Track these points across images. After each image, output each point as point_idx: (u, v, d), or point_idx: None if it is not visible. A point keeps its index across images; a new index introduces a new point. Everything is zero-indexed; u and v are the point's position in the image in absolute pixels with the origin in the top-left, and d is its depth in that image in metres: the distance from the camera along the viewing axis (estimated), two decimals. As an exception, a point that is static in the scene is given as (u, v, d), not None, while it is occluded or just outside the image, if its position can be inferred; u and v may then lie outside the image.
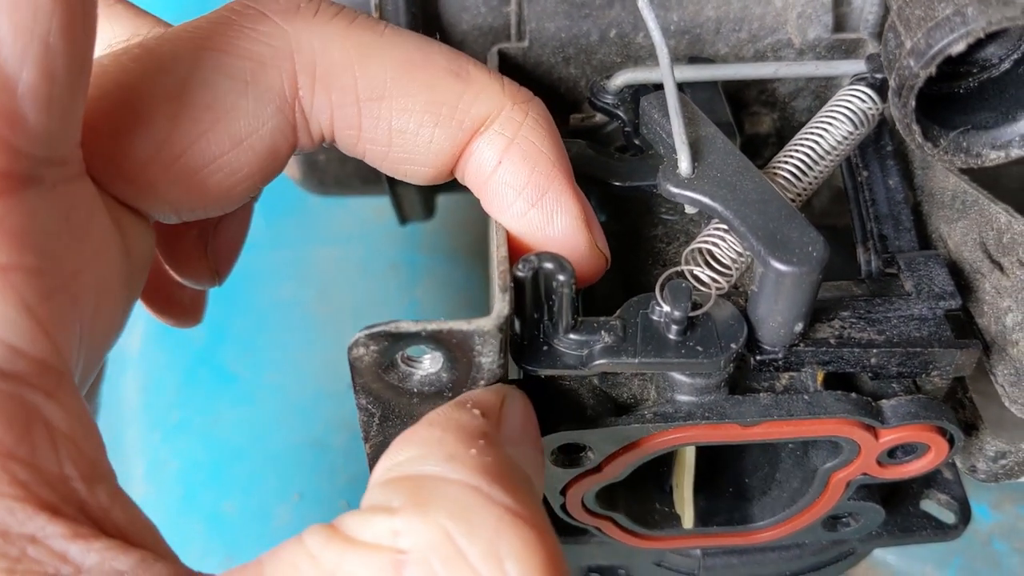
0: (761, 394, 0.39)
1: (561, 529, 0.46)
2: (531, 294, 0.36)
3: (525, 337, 0.37)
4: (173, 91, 0.34)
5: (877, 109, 0.43)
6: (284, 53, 0.35)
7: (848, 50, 0.51)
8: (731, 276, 0.40)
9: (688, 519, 0.45)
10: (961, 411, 0.45)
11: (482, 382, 0.35)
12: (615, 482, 0.41)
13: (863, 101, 0.43)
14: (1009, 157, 0.37)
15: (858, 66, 0.46)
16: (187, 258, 0.45)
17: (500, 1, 0.52)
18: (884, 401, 0.39)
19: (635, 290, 0.39)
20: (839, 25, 0.51)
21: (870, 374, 0.40)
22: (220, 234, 0.45)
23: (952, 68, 0.39)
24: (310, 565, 0.26)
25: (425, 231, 0.89)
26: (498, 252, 0.37)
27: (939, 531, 0.49)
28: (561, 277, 0.35)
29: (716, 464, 0.47)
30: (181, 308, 0.49)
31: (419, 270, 0.88)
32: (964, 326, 0.43)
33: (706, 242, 0.40)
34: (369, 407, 0.36)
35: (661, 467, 0.46)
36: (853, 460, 0.40)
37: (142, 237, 0.36)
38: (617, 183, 0.45)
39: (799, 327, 0.38)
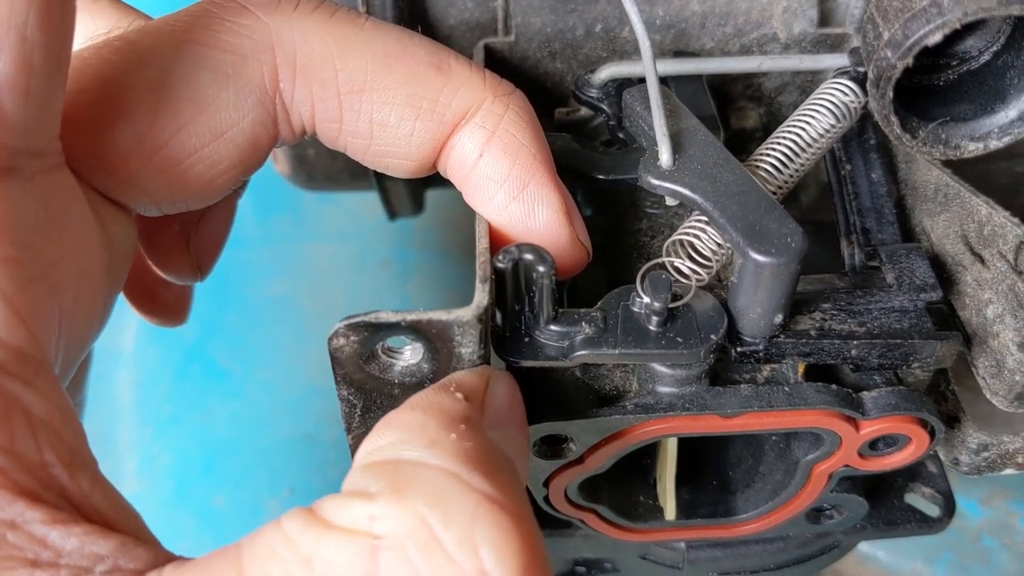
0: (742, 385, 0.39)
1: (545, 522, 0.46)
2: (512, 285, 0.36)
3: (507, 328, 0.37)
4: (154, 84, 0.34)
5: (860, 102, 0.43)
6: (265, 46, 0.35)
7: (833, 45, 0.51)
8: (712, 268, 0.40)
9: (670, 511, 0.45)
10: (944, 404, 0.45)
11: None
12: (598, 474, 0.41)
13: (845, 94, 0.43)
14: (988, 149, 0.38)
15: (842, 60, 0.46)
16: (169, 253, 0.45)
17: (486, -5, 0.52)
18: (865, 393, 0.40)
19: (619, 283, 0.39)
20: (824, 20, 0.51)
21: (851, 366, 0.40)
22: (202, 229, 0.45)
23: (931, 60, 0.39)
24: (287, 548, 0.26)
25: (417, 227, 0.89)
26: (479, 244, 0.38)
27: (924, 524, 0.49)
28: (541, 268, 0.35)
29: (699, 457, 0.47)
30: (166, 306, 0.50)
31: (411, 266, 0.88)
32: (946, 319, 0.43)
33: (687, 234, 0.40)
34: (351, 398, 0.36)
35: (644, 459, 0.46)
36: (835, 452, 0.41)
37: (123, 229, 0.36)
38: (601, 176, 0.45)
39: (779, 318, 0.38)
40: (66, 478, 0.28)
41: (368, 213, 0.89)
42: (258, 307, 0.85)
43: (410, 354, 0.36)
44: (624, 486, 0.46)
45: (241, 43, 0.35)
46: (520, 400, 0.35)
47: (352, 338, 0.34)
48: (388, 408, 0.36)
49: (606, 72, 0.46)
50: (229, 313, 0.85)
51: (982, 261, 0.40)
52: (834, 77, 0.45)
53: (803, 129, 0.43)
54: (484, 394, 0.33)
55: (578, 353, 0.36)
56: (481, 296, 0.34)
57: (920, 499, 0.50)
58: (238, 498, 0.76)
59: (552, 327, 0.37)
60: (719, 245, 0.40)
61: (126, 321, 0.85)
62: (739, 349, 0.39)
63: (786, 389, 0.39)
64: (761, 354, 0.39)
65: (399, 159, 0.38)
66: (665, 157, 0.39)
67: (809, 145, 0.42)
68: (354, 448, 0.39)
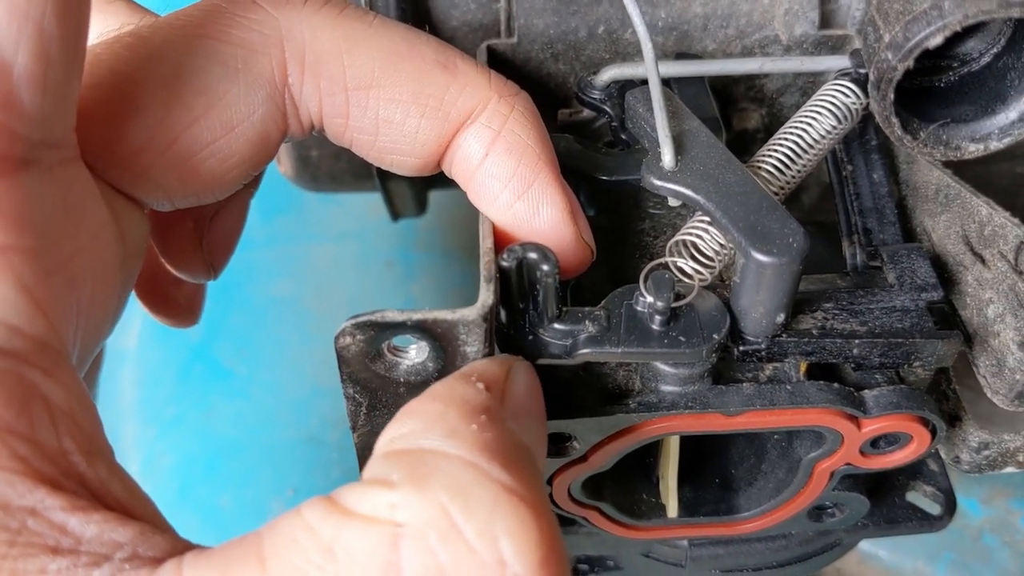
0: (744, 384, 0.39)
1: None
2: (516, 284, 0.36)
3: (511, 327, 0.38)
4: (166, 78, 0.34)
5: (861, 104, 0.44)
6: (274, 41, 0.35)
7: (835, 46, 0.52)
8: (714, 268, 0.40)
9: (672, 509, 0.45)
10: (945, 402, 0.45)
11: (467, 372, 0.36)
12: (601, 472, 0.42)
13: (846, 96, 0.44)
14: (988, 150, 0.38)
15: (843, 62, 0.46)
16: (182, 251, 0.45)
17: (489, -3, 0.53)
18: (866, 391, 0.40)
19: (622, 284, 0.39)
20: (826, 22, 0.52)
21: (853, 365, 0.41)
22: (215, 227, 0.46)
23: (932, 62, 0.39)
24: (308, 538, 0.27)
25: (420, 229, 0.89)
26: (484, 244, 0.38)
27: (925, 522, 0.49)
28: (545, 267, 0.35)
29: (702, 455, 0.47)
30: (177, 307, 0.50)
31: (414, 267, 0.89)
32: (948, 318, 0.43)
33: (690, 234, 0.40)
34: (356, 396, 0.37)
35: (647, 458, 0.46)
36: (836, 450, 0.41)
37: (136, 223, 0.36)
38: (604, 177, 0.45)
39: (781, 318, 0.38)
40: (85, 466, 0.28)
41: (371, 214, 0.89)
42: (262, 308, 0.86)
43: (415, 353, 0.36)
44: (627, 484, 0.46)
45: (251, 38, 0.35)
46: (539, 390, 0.35)
47: (358, 337, 0.34)
48: (394, 406, 0.37)
49: (608, 74, 0.47)
50: (233, 314, 0.85)
51: (983, 261, 0.41)
52: (835, 79, 0.45)
53: (805, 131, 0.43)
54: (505, 384, 0.33)
55: (581, 351, 0.37)
56: (486, 295, 0.34)
57: (921, 497, 0.50)
58: (242, 498, 0.76)
59: (556, 325, 0.37)
60: (722, 245, 0.40)
61: (130, 321, 0.85)
62: (741, 348, 0.39)
63: (788, 388, 0.39)
64: (763, 353, 0.39)
65: (404, 156, 0.38)
66: (668, 158, 0.40)
67: (811, 146, 0.43)
68: (359, 446, 0.39)
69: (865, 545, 0.73)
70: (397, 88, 0.37)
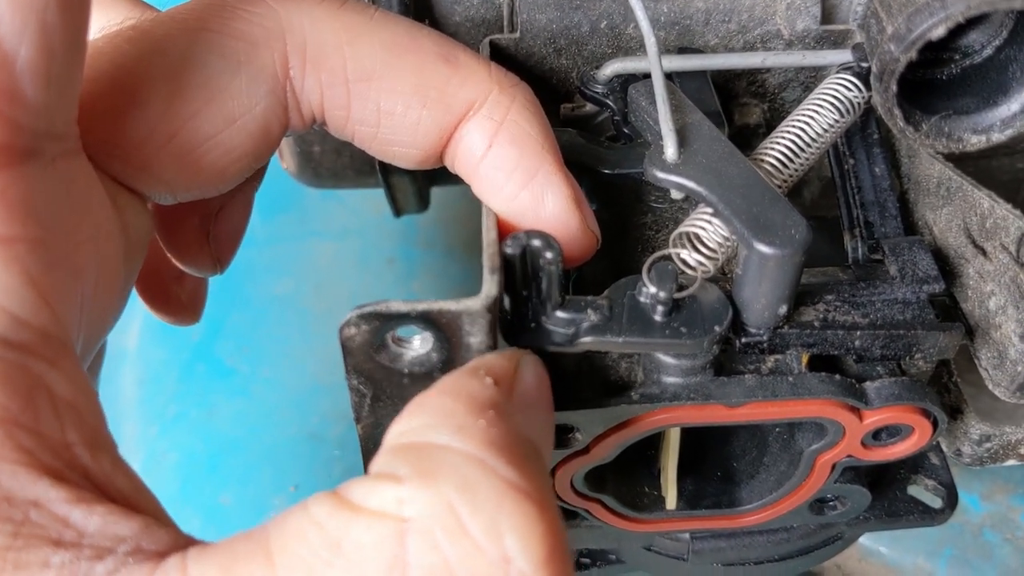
0: (746, 376, 0.39)
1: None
2: (520, 272, 0.36)
3: (514, 315, 0.38)
4: (167, 71, 0.35)
5: (863, 97, 0.44)
6: (275, 34, 0.35)
7: (837, 41, 0.52)
8: (717, 260, 0.40)
9: (672, 500, 0.45)
10: (946, 395, 0.45)
11: (471, 362, 0.36)
12: (603, 464, 0.42)
13: (849, 89, 0.44)
14: (990, 142, 0.38)
15: (845, 56, 0.46)
16: (189, 245, 0.45)
17: (492, -7, 0.53)
18: (868, 383, 0.40)
19: (624, 277, 0.39)
20: (828, 16, 0.52)
21: (854, 357, 0.41)
22: (221, 222, 0.46)
23: (934, 55, 0.39)
24: (316, 533, 0.27)
25: (422, 226, 0.89)
26: (488, 236, 0.38)
27: (926, 516, 0.49)
28: (549, 255, 0.35)
29: (704, 448, 0.47)
30: (179, 304, 0.50)
31: (416, 264, 0.89)
32: (949, 311, 0.44)
33: (693, 226, 0.40)
34: (360, 387, 0.37)
35: (649, 450, 0.46)
36: (838, 442, 0.41)
37: (139, 216, 0.36)
38: (607, 171, 0.46)
39: (783, 309, 0.38)
40: (88, 458, 0.28)
41: (373, 211, 0.89)
42: (263, 305, 0.86)
43: (419, 344, 0.36)
44: (629, 477, 0.46)
45: (252, 31, 0.35)
46: (548, 383, 0.35)
47: (363, 327, 0.34)
48: (398, 398, 0.37)
49: (611, 68, 0.47)
50: (234, 312, 0.85)
51: (984, 253, 0.41)
52: (837, 73, 0.45)
53: (807, 124, 0.43)
54: (513, 378, 0.33)
55: (583, 340, 0.37)
56: (490, 286, 0.35)
57: (923, 491, 0.50)
58: (244, 496, 0.76)
59: (559, 314, 0.37)
60: (724, 238, 0.40)
61: (130, 319, 0.85)
62: (743, 340, 0.39)
63: (790, 379, 0.39)
64: (765, 345, 0.40)
65: (406, 148, 0.39)
66: (671, 151, 0.40)
67: (813, 140, 0.43)
68: (363, 438, 0.39)
69: (866, 541, 0.73)
70: (398, 80, 0.37)
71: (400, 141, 0.38)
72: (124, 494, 0.29)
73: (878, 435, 0.41)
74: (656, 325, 0.37)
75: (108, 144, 0.34)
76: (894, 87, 0.36)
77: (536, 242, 0.36)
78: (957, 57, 0.39)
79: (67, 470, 0.28)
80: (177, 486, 0.77)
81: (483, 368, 0.32)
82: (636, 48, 0.52)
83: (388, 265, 0.89)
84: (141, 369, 0.84)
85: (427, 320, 0.34)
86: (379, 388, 0.37)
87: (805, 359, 0.40)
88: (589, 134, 0.48)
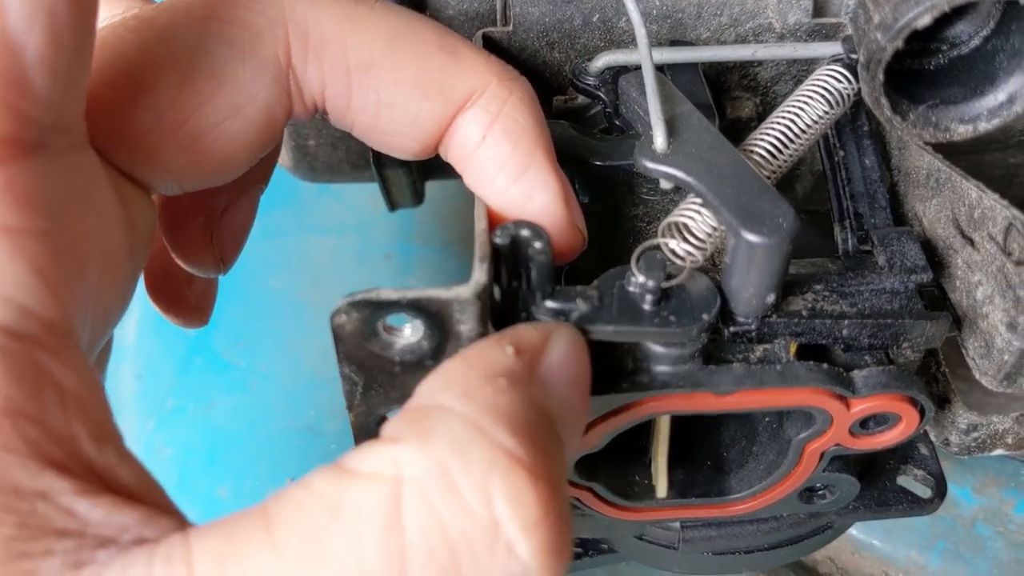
0: (735, 364, 0.40)
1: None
2: (509, 262, 0.37)
3: (505, 305, 0.38)
4: (175, 60, 0.35)
5: (852, 89, 0.44)
6: (278, 22, 0.36)
7: (828, 34, 0.52)
8: (706, 249, 0.40)
9: (662, 488, 0.46)
10: (934, 385, 0.46)
11: (461, 350, 0.36)
12: (595, 453, 0.42)
13: (838, 81, 0.44)
14: (977, 131, 0.38)
15: (835, 48, 0.47)
16: (193, 245, 0.46)
17: (486, -14, 0.53)
18: (856, 372, 0.40)
19: (616, 267, 0.40)
20: (819, 10, 0.52)
21: (842, 346, 0.41)
22: (225, 222, 0.46)
23: (922, 45, 0.40)
24: (313, 500, 0.27)
25: (419, 222, 0.90)
26: (478, 225, 0.38)
27: (915, 506, 0.50)
28: (537, 244, 0.36)
29: (694, 438, 0.48)
30: (188, 307, 0.50)
31: (413, 260, 0.89)
32: (937, 301, 0.44)
33: (682, 216, 0.41)
34: (352, 376, 0.37)
35: (640, 440, 0.47)
36: (826, 430, 0.41)
37: (144, 209, 0.37)
38: (598, 162, 0.46)
39: (771, 298, 0.38)
40: (93, 450, 0.29)
41: (370, 207, 0.90)
42: (260, 300, 0.86)
43: (410, 332, 0.36)
44: (620, 466, 0.46)
45: (255, 19, 0.36)
46: (585, 362, 0.35)
47: (354, 315, 0.35)
48: (389, 386, 0.37)
49: (603, 60, 0.47)
50: (231, 306, 0.86)
51: (972, 244, 0.41)
52: (827, 64, 0.46)
53: (796, 116, 0.44)
54: (541, 351, 0.33)
55: (574, 329, 0.37)
56: (480, 274, 0.35)
57: (912, 481, 0.50)
58: (241, 489, 0.77)
59: (548, 303, 0.37)
60: (713, 227, 0.40)
61: (128, 314, 0.85)
62: (732, 329, 0.40)
63: (778, 368, 0.39)
64: (753, 334, 0.40)
65: (404, 138, 0.39)
66: (660, 141, 0.40)
67: (802, 131, 0.43)
68: (355, 425, 0.40)
69: (859, 535, 0.73)
70: (398, 70, 0.37)
71: (399, 131, 0.39)
72: (127, 485, 0.29)
73: (866, 424, 0.42)
74: (645, 314, 0.38)
75: (115, 134, 0.35)
76: (881, 76, 0.36)
77: (525, 232, 0.36)
78: (945, 48, 0.40)
79: (72, 462, 0.28)
80: (175, 479, 0.78)
81: (508, 338, 0.33)
82: (628, 41, 0.52)
83: (385, 260, 0.89)
84: (139, 363, 0.84)
85: (417, 308, 0.34)
86: (371, 377, 0.37)
87: (793, 348, 0.41)
88: (582, 126, 0.48)
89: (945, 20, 0.38)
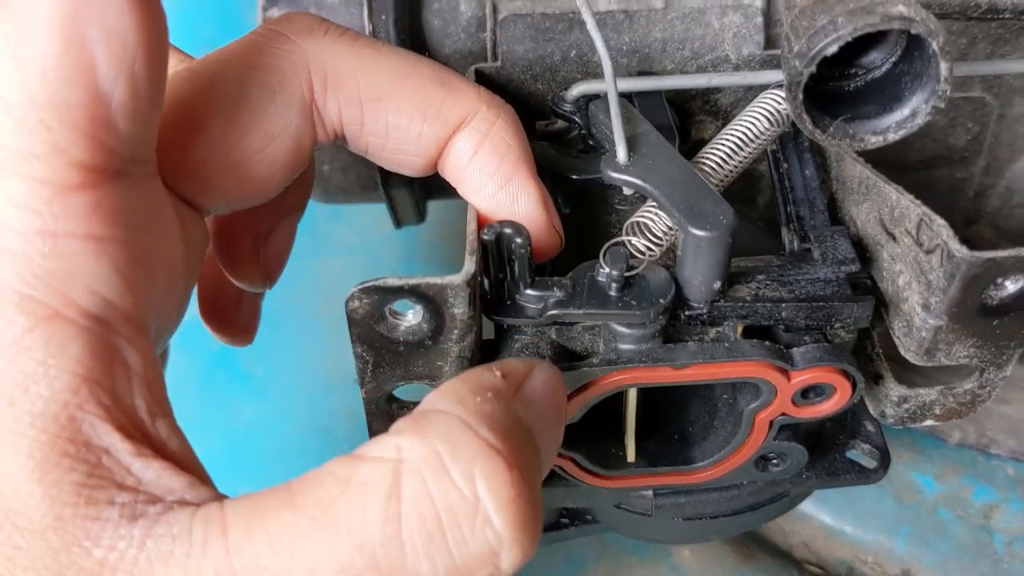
0: (690, 343, 0.46)
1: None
2: (495, 255, 0.44)
3: (493, 293, 0.45)
4: (220, 103, 0.42)
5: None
6: (302, 66, 0.43)
7: (778, 64, 0.59)
8: (663, 245, 0.47)
9: (631, 454, 0.52)
10: (870, 364, 0.52)
11: (455, 331, 0.43)
12: (574, 425, 0.49)
13: (778, 103, 0.51)
14: (887, 141, 0.45)
15: (779, 75, 0.54)
16: (242, 263, 0.53)
17: (477, 29, 0.61)
18: (795, 348, 0.47)
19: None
20: (770, 43, 0.59)
21: (783, 327, 0.48)
22: (270, 244, 0.53)
23: (841, 71, 0.47)
24: (329, 476, 0.34)
25: (421, 242, 0.97)
26: (469, 226, 0.46)
27: (862, 475, 0.56)
28: (519, 240, 0.43)
29: (664, 415, 0.54)
30: (236, 327, 0.58)
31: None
32: (869, 290, 0.51)
33: (642, 217, 0.48)
34: (364, 355, 0.44)
35: (615, 419, 0.53)
36: (772, 401, 0.48)
37: (198, 230, 0.44)
38: (575, 176, 0.53)
39: (717, 284, 0.45)
40: (150, 422, 0.35)
41: (376, 230, 0.97)
42: (278, 316, 0.93)
43: (412, 316, 0.43)
44: (598, 439, 0.53)
45: (283, 64, 0.43)
46: (561, 391, 0.41)
47: (364, 300, 0.42)
48: (395, 364, 0.44)
49: (577, 89, 0.55)
50: (251, 322, 0.93)
51: (894, 239, 0.48)
52: (771, 89, 0.53)
53: (743, 132, 0.51)
54: (523, 376, 0.39)
55: (551, 312, 0.44)
56: (469, 264, 0.42)
57: (860, 454, 0.57)
58: (261, 486, 0.83)
59: (529, 291, 0.44)
60: (668, 227, 0.47)
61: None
62: (687, 313, 0.46)
63: (726, 345, 0.46)
64: (705, 317, 0.47)
65: (410, 156, 0.46)
66: (622, 154, 0.47)
67: (746, 145, 0.50)
68: (366, 400, 0.46)
69: (831, 522, 0.79)
70: (403, 100, 0.45)
71: (405, 150, 0.46)
72: (176, 455, 0.36)
73: (806, 394, 0.48)
74: (611, 299, 0.45)
75: (175, 165, 0.41)
76: (800, 96, 0.43)
77: (508, 230, 0.43)
78: (861, 72, 0.47)
79: (132, 428, 0.34)
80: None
81: (497, 365, 0.39)
82: (601, 73, 0.59)
83: (391, 278, 0.96)
84: (168, 373, 0.91)
85: (417, 293, 0.41)
86: (379, 355, 0.44)
87: (740, 329, 0.47)
88: (561, 147, 0.55)
89: (860, 49, 0.46)
